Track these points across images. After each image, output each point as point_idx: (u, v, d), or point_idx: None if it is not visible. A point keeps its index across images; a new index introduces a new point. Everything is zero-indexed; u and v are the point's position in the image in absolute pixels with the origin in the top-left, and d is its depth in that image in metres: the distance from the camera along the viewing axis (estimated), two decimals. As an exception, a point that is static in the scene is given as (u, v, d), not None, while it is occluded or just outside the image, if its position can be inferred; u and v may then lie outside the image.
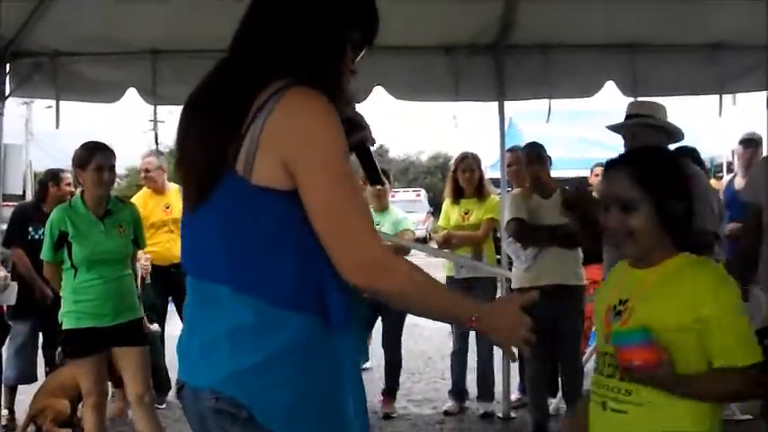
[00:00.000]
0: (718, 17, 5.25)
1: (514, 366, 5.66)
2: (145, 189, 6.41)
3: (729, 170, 10.09)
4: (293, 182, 1.61)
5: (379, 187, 5.80)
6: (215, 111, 1.70)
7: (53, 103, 5.63)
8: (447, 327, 6.07)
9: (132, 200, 6.31)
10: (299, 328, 1.65)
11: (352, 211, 1.62)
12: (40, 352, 5.80)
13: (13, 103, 5.96)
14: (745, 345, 1.97)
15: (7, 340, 5.44)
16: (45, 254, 4.32)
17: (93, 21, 4.92)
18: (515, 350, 1.80)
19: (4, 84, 5.35)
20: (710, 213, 3.57)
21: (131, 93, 5.58)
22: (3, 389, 5.40)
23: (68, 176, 5.66)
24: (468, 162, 5.84)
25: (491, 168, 9.70)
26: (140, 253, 4.93)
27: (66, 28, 5.02)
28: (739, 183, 5.93)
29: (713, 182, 6.29)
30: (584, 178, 7.79)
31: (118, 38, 5.23)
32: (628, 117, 3.90)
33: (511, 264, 5.42)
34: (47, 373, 5.53)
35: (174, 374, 6.73)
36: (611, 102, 6.21)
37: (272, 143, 1.60)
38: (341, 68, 1.77)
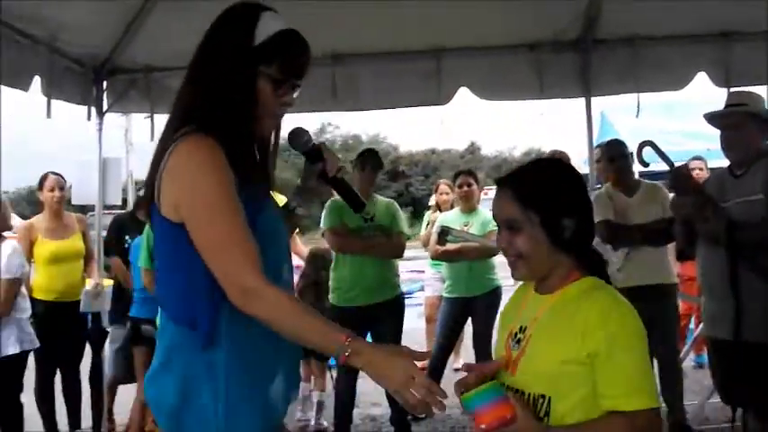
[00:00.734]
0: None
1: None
2: None
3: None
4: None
5: (465, 188, 5.83)
6: (156, 150, 1.96)
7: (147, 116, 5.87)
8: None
9: None
10: (176, 339, 1.94)
11: (226, 246, 1.80)
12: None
13: (113, 115, 6.22)
14: (628, 385, 1.73)
15: (107, 344, 5.68)
16: (143, 261, 4.49)
17: (182, 36, 5.06)
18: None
19: (102, 100, 5.62)
20: None
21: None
22: (105, 389, 5.66)
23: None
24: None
25: (584, 164, 9.54)
26: None
27: (156, 44, 5.21)
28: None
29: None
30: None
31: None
32: (726, 108, 3.78)
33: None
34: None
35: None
36: (708, 93, 6.01)
37: (165, 184, 1.87)
38: (251, 109, 1.94)
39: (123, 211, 7.37)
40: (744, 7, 5.06)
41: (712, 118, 3.78)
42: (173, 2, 4.68)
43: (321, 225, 10.13)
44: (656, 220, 4.59)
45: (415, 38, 5.36)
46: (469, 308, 5.75)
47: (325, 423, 5.72)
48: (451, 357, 6.49)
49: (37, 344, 4.86)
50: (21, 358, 4.74)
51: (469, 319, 5.85)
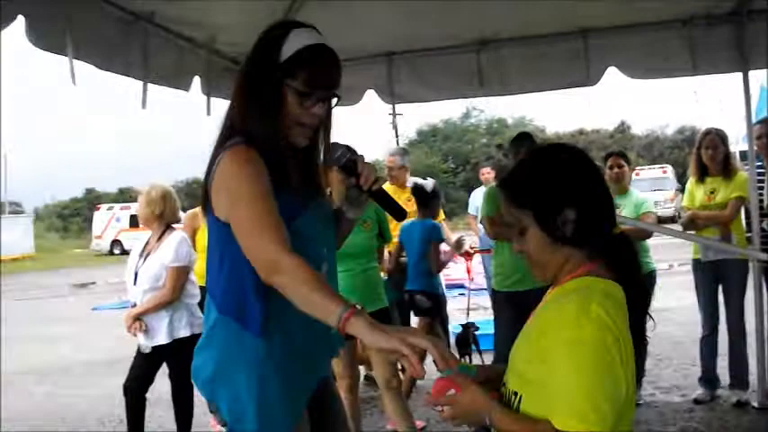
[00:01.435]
0: None
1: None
2: (388, 183, 6.71)
3: None
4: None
5: (616, 170, 5.71)
6: (210, 158, 2.19)
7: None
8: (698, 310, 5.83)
9: None
10: (218, 323, 2.21)
11: (254, 230, 2.01)
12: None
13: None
14: (567, 405, 1.57)
15: None
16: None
17: (332, 31, 5.22)
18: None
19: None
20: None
21: (370, 94, 5.89)
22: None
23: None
24: (712, 138, 5.58)
25: (742, 141, 9.12)
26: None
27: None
28: None
29: None
30: None
31: (354, 44, 5.53)
32: None
33: (763, 243, 5.12)
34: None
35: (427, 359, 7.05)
36: None
37: (214, 188, 2.13)
38: (281, 119, 2.15)
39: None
40: None
41: None
42: (319, 1, 4.81)
43: (469, 211, 10.20)
44: None
45: (561, 19, 5.28)
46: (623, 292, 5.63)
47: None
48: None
49: None
50: (192, 341, 5.04)
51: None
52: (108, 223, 38.04)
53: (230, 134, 2.17)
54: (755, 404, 5.36)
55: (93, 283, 22.11)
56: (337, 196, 3.95)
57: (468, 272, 7.93)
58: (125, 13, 4.16)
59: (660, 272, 6.06)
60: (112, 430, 5.98)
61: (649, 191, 20.34)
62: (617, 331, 1.60)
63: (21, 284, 23.31)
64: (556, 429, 1.58)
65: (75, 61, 3.67)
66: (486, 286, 10.85)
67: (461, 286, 11.13)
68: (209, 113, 5.15)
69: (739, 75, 5.47)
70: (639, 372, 5.63)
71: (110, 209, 39.42)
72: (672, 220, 24.59)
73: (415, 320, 6.25)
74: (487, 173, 9.57)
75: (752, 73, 5.52)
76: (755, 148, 5.48)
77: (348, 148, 2.31)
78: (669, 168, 32.06)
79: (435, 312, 5.94)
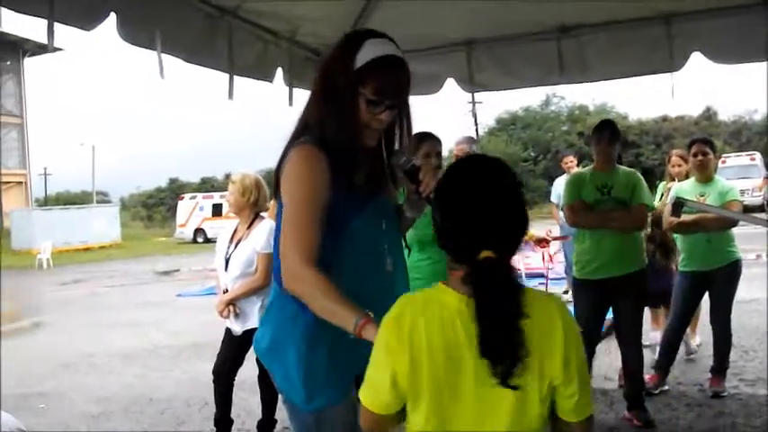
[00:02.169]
0: None
1: None
2: None
3: None
4: None
5: (700, 157, 5.59)
6: (282, 151, 2.39)
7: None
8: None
9: None
10: (275, 299, 2.42)
11: (288, 232, 2.25)
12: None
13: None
14: None
15: None
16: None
17: (412, 20, 5.26)
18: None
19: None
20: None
21: (450, 82, 5.90)
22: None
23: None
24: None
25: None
26: None
27: (389, 30, 5.41)
28: None
29: None
30: None
31: (434, 33, 5.55)
32: None
33: None
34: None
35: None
36: None
37: (282, 179, 2.33)
38: (352, 123, 2.29)
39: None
40: None
41: None
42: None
43: (551, 199, 10.13)
44: None
45: (643, 5, 5.19)
46: (707, 282, 5.54)
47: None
48: (688, 333, 6.31)
49: None
50: None
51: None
52: (191, 212, 38.96)
53: (303, 131, 2.36)
54: None
55: (177, 270, 22.71)
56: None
57: (544, 260, 7.87)
58: (210, 8, 4.28)
59: (747, 262, 5.90)
60: (198, 412, 6.16)
61: (736, 179, 19.81)
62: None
63: (108, 272, 24.13)
64: None
65: (163, 55, 3.81)
66: (565, 275, 10.79)
67: (541, 275, 11.05)
68: (291, 104, 5.25)
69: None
70: (722, 363, 5.54)
71: (193, 198, 40.36)
72: (760, 208, 23.88)
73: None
74: (570, 161, 9.53)
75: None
76: None
77: (411, 155, 2.47)
78: (757, 155, 31.08)
79: None
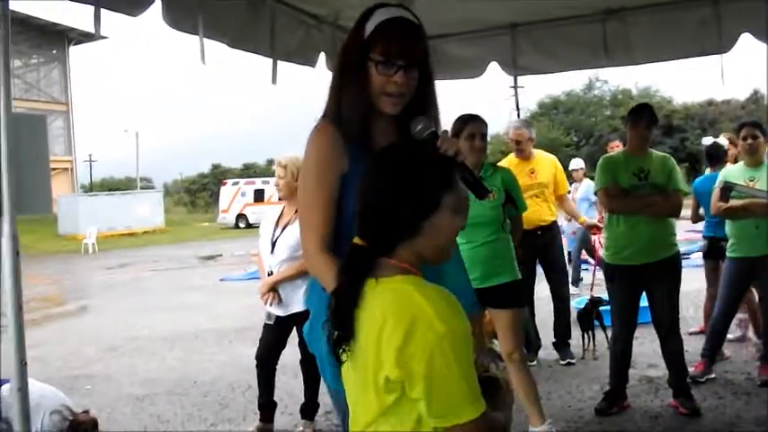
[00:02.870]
0: None
1: None
2: (512, 155, 6.70)
3: None
4: None
5: (750, 141, 5.47)
6: None
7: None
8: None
9: (500, 163, 6.69)
10: (316, 287, 2.40)
11: (303, 216, 2.38)
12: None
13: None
14: None
15: None
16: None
17: (455, 4, 5.21)
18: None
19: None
20: None
21: (493, 66, 5.85)
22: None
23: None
24: None
25: None
26: None
27: (433, 14, 5.37)
28: None
29: None
30: None
31: (476, 16, 5.50)
32: None
33: None
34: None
35: (544, 334, 6.98)
36: None
37: None
38: (365, 92, 2.27)
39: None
40: None
41: None
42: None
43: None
44: None
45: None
46: (756, 268, 5.43)
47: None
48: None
49: None
50: None
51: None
52: (233, 198, 39.31)
53: (324, 113, 2.38)
54: None
55: (220, 255, 22.94)
56: None
57: (595, 247, 7.77)
58: (253, -7, 4.29)
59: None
60: (242, 395, 6.22)
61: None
62: None
63: (152, 256, 24.43)
64: None
65: (207, 41, 3.82)
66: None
67: (585, 261, 10.98)
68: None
69: None
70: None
71: (235, 184, 40.68)
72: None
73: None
74: (616, 146, 9.36)
75: None
76: None
77: (430, 123, 2.33)
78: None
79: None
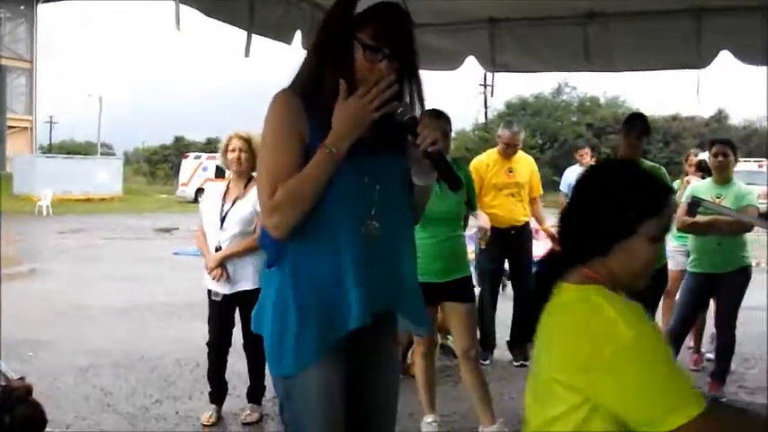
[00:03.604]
0: None
1: None
2: (494, 151, 6.68)
3: None
4: None
5: (720, 158, 5.48)
6: None
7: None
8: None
9: (480, 157, 6.68)
10: (264, 270, 2.40)
11: (260, 174, 2.28)
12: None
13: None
14: None
15: None
16: None
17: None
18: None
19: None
20: None
21: (470, 60, 5.77)
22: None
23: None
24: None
25: None
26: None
27: (410, 2, 5.28)
28: None
29: None
30: None
31: (456, 8, 5.41)
32: None
33: None
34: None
35: (501, 333, 6.96)
36: None
37: None
38: (349, 71, 2.19)
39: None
40: None
41: None
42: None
43: (561, 189, 10.05)
44: None
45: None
46: (715, 285, 5.46)
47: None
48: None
49: None
50: None
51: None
52: (194, 171, 38.83)
53: (292, 84, 2.30)
54: None
55: (177, 228, 22.65)
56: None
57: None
58: (235, -39, 4.16)
59: (757, 269, 5.83)
60: (189, 373, 6.10)
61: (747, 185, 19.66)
62: None
63: (108, 224, 24.07)
64: None
65: (182, 7, 3.69)
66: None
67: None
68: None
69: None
70: (724, 369, 5.47)
71: (197, 158, 40.19)
72: (766, 216, 23.77)
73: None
74: (585, 153, 9.51)
75: None
76: None
77: (410, 106, 2.29)
78: (765, 163, 30.91)
79: None
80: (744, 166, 29.54)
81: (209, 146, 53.36)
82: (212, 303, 4.94)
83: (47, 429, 3.26)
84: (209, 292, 4.94)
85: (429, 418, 4.70)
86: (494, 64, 5.72)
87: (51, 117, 61.58)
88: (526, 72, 6.12)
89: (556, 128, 50.04)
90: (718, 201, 5.40)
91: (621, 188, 1.75)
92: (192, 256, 14.76)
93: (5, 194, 32.46)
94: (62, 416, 4.99)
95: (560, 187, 10.02)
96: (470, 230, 6.19)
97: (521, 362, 6.43)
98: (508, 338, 6.66)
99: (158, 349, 6.95)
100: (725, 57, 5.19)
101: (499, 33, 5.60)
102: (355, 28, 2.17)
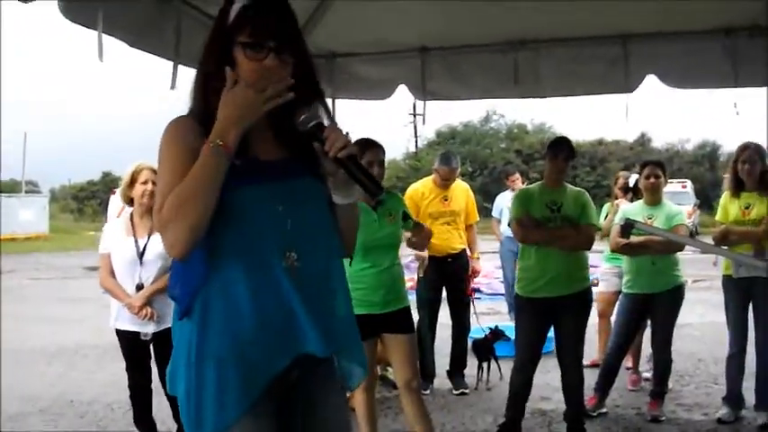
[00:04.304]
0: None
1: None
2: (429, 180, 6.69)
3: None
4: None
5: (652, 180, 5.57)
6: None
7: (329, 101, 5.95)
8: (721, 327, 5.69)
9: (415, 186, 6.70)
10: (175, 322, 2.16)
11: (156, 204, 1.99)
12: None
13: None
14: None
15: None
16: None
17: (366, 23, 5.12)
18: None
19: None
20: None
21: (402, 89, 5.77)
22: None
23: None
24: (750, 153, 5.42)
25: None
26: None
27: (341, 31, 5.25)
28: None
29: None
30: None
31: (387, 37, 5.41)
32: None
33: (799, 263, 4.97)
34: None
35: (441, 362, 6.91)
36: None
37: None
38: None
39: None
40: None
41: None
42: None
43: (493, 215, 10.12)
44: None
45: (602, 23, 5.13)
46: (650, 305, 5.53)
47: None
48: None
49: None
50: None
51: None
52: (123, 207, 37.77)
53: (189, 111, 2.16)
54: (781, 428, 5.21)
55: (106, 266, 22.06)
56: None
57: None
58: (159, -9, 4.05)
59: (688, 287, 5.93)
60: (121, 417, 5.88)
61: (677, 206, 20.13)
62: None
63: (35, 264, 23.35)
64: None
65: (105, 38, 3.57)
66: (502, 290, 10.76)
67: (477, 290, 11.01)
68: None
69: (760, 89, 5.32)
70: (661, 387, 5.52)
71: (126, 193, 39.50)
72: (690, 235, 24.38)
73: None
74: (516, 178, 9.72)
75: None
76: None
77: (316, 112, 2.09)
78: (688, 183, 31.79)
79: None
80: (668, 187, 30.22)
81: (138, 181, 52.50)
82: (135, 344, 4.72)
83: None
84: (128, 332, 4.70)
85: None
86: (424, 92, 5.72)
87: (-28, 156, 59.72)
88: (456, 99, 6.13)
89: (485, 155, 50.61)
90: (649, 221, 5.49)
91: None
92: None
93: (-76, 236, 31.33)
94: (-12, 467, 4.75)
95: (492, 213, 10.09)
96: (407, 259, 6.17)
97: (461, 390, 6.38)
98: (448, 368, 6.60)
99: (88, 393, 6.70)
100: (650, 81, 5.32)
101: (430, 61, 5.62)
102: (233, 34, 2.04)
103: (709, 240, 5.89)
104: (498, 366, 6.52)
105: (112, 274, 4.76)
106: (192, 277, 2.05)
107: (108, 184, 55.76)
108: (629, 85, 5.32)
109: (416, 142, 49.78)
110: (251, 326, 1.99)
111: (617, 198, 6.90)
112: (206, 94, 2.08)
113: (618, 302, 5.95)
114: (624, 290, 5.70)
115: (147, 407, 4.80)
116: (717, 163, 44.55)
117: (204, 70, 2.12)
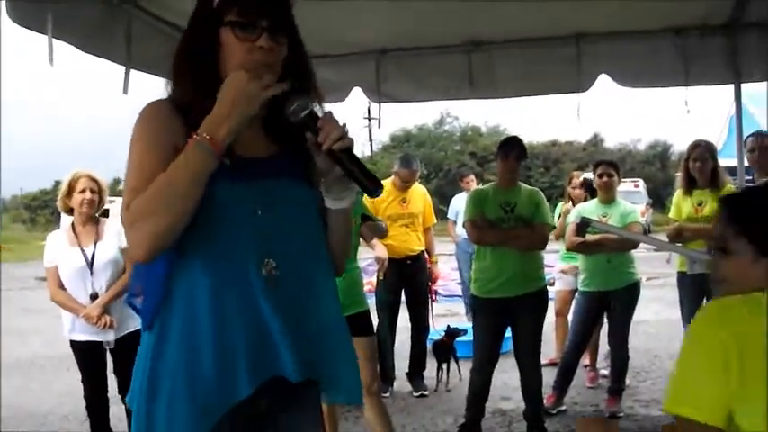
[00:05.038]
0: None
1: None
2: (388, 181, 6.67)
3: None
4: None
5: (605, 178, 5.64)
6: None
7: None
8: (676, 323, 5.78)
9: None
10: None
11: (123, 197, 1.78)
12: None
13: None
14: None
15: None
16: None
17: (319, 26, 5.09)
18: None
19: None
20: None
21: (356, 91, 5.76)
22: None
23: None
24: (701, 151, 5.50)
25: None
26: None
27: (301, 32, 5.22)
28: None
29: None
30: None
31: (342, 40, 5.39)
32: None
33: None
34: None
35: (400, 365, 6.88)
36: None
37: None
38: (212, 63, 1.86)
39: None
40: None
41: None
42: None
43: (448, 216, 10.15)
44: None
45: (556, 23, 5.18)
46: (606, 302, 5.59)
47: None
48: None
49: None
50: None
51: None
52: (76, 216, 37.57)
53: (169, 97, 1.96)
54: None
55: (60, 276, 21.68)
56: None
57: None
58: (109, -6, 4.00)
59: (643, 284, 6.01)
60: (78, 427, 5.78)
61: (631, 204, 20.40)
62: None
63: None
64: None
65: (54, 41, 3.51)
66: (459, 292, 10.79)
67: (436, 292, 11.02)
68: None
69: (705, 89, 5.51)
70: (619, 384, 5.58)
71: (79, 202, 38.97)
72: (644, 233, 24.73)
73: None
74: (470, 180, 9.76)
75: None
76: (746, 161, 5.43)
77: (309, 101, 1.86)
78: (641, 182, 32.20)
79: None
80: (621, 186, 30.66)
81: (92, 189, 51.81)
82: (91, 354, 4.64)
83: None
84: (85, 343, 4.63)
85: None
86: (380, 94, 5.72)
87: None
88: (411, 101, 6.15)
89: (440, 158, 50.82)
90: (604, 219, 5.55)
91: None
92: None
93: None
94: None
95: (448, 215, 10.13)
96: (365, 262, 6.16)
97: (420, 392, 6.38)
98: (407, 370, 6.60)
99: (45, 406, 6.60)
100: (602, 80, 5.38)
101: (385, 63, 5.62)
102: (220, 13, 1.84)
103: (663, 238, 5.97)
104: (458, 367, 6.54)
105: (61, 286, 4.66)
106: (155, 285, 1.85)
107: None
108: (582, 85, 5.38)
109: (371, 146, 49.80)
110: (210, 347, 1.77)
111: (571, 198, 6.96)
112: (186, 81, 1.88)
113: (574, 301, 6.01)
114: (580, 288, 5.76)
115: (105, 417, 4.72)
116: (668, 162, 45.27)
117: (186, 54, 1.91)
